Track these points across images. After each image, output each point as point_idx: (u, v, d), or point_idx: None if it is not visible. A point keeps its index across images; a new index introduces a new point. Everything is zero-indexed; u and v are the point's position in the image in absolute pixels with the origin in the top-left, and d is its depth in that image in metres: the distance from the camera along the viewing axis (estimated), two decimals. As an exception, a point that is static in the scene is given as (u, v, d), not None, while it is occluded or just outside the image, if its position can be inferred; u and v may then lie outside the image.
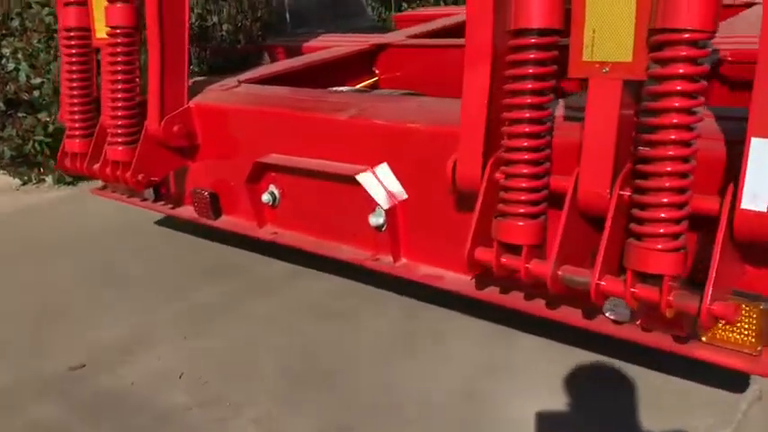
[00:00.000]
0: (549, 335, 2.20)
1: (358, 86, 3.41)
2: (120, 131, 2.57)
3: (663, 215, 1.44)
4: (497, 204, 1.72)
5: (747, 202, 1.38)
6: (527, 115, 1.62)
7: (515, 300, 1.91)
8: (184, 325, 2.55)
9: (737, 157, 1.40)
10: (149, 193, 2.92)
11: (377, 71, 3.58)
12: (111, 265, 3.10)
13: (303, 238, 2.47)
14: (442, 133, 1.98)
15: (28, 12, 4.21)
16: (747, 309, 1.56)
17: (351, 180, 2.16)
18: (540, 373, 2.08)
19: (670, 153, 1.41)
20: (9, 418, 2.09)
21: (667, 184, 1.43)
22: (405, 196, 2.14)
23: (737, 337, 1.61)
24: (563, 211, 1.61)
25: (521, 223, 1.67)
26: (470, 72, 1.73)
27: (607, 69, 1.51)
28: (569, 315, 1.82)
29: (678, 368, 1.99)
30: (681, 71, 1.37)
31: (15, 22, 4.22)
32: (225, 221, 2.74)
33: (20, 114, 4.24)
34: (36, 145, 4.20)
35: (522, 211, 1.66)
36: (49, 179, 4.38)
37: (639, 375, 2.03)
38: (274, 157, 2.42)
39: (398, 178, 2.14)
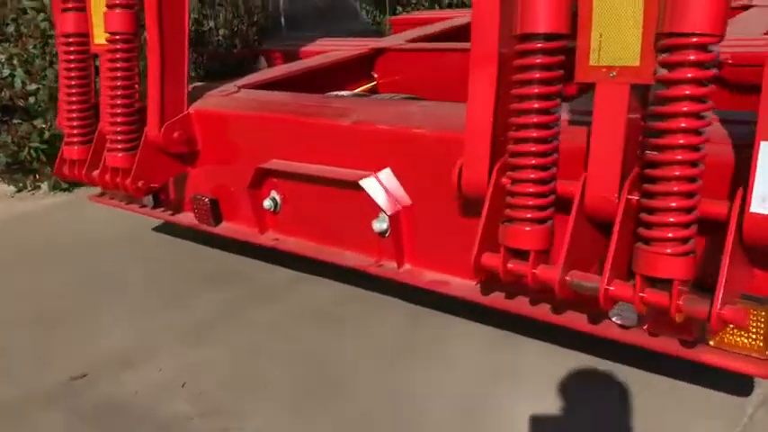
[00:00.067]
0: (554, 340, 2.19)
1: (357, 91, 3.40)
2: (119, 138, 2.55)
3: (672, 219, 1.44)
4: (504, 209, 1.71)
5: (756, 206, 1.38)
6: (534, 120, 1.62)
7: (521, 305, 1.90)
8: (186, 333, 2.53)
9: (746, 161, 1.39)
10: (148, 199, 2.90)
11: (375, 75, 3.57)
12: (110, 273, 3.07)
13: (305, 244, 2.46)
14: (447, 138, 1.97)
15: (23, 17, 4.19)
16: (756, 313, 1.56)
17: (354, 185, 2.15)
18: (545, 378, 2.07)
19: (678, 157, 1.41)
20: (14, 429, 2.07)
21: (676, 189, 1.43)
22: (408, 202, 2.13)
23: (746, 341, 1.61)
24: (571, 215, 1.61)
25: (528, 228, 1.66)
26: (476, 77, 1.73)
27: (614, 74, 1.51)
28: (575, 320, 1.82)
29: (684, 372, 1.99)
30: (689, 75, 1.36)
31: (11, 28, 4.20)
32: (225, 228, 2.72)
33: (15, 121, 4.21)
34: (31, 152, 4.18)
35: (529, 216, 1.66)
36: (44, 186, 4.35)
37: (645, 380, 2.02)
38: (276, 163, 2.41)
39: (402, 183, 2.13)
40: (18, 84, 4.11)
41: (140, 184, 2.56)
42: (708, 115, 1.41)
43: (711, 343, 1.64)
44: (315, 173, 2.31)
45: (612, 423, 1.90)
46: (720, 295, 1.39)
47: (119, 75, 2.50)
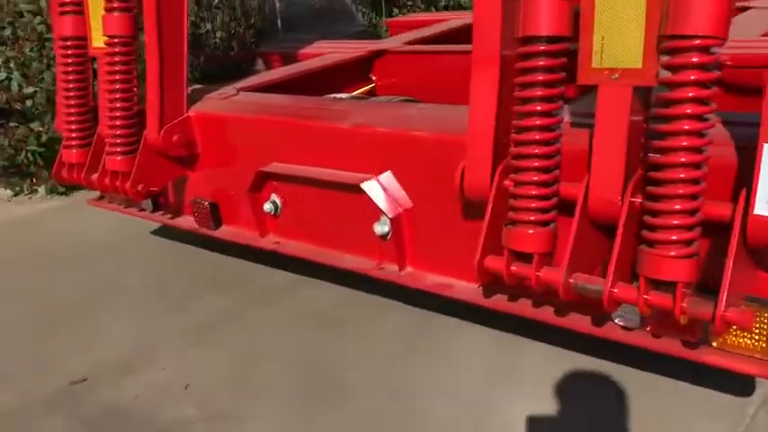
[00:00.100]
0: (557, 341, 2.19)
1: (355, 93, 3.40)
2: (118, 141, 2.54)
3: (675, 222, 1.44)
4: (507, 212, 1.71)
5: (760, 208, 1.38)
6: (537, 122, 1.61)
7: (524, 307, 1.90)
8: (186, 336, 2.52)
9: (750, 163, 1.40)
10: (147, 203, 2.88)
11: (374, 78, 3.57)
12: (109, 277, 3.05)
13: (306, 247, 2.45)
14: (446, 141, 1.97)
15: (20, 20, 4.16)
16: (759, 314, 1.56)
17: (355, 188, 2.15)
18: (548, 380, 2.07)
19: (682, 160, 1.41)
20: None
21: (680, 191, 1.43)
22: (409, 204, 2.13)
23: (748, 342, 1.61)
24: (574, 218, 1.61)
25: (531, 231, 1.66)
26: (478, 79, 1.73)
27: (617, 76, 1.51)
28: (578, 322, 1.82)
29: (686, 373, 1.99)
30: (692, 78, 1.36)
31: (7, 31, 4.17)
32: (225, 231, 2.71)
33: (12, 124, 4.18)
34: (29, 155, 4.15)
35: (532, 218, 1.65)
36: (41, 190, 4.33)
37: (647, 381, 2.02)
38: (276, 166, 2.40)
39: (403, 186, 2.12)
40: (15, 87, 4.08)
41: (140, 187, 2.55)
42: (711, 117, 1.41)
43: (714, 344, 1.64)
44: (316, 176, 2.30)
45: (615, 424, 1.90)
46: (724, 297, 1.39)
47: (117, 78, 2.49)
